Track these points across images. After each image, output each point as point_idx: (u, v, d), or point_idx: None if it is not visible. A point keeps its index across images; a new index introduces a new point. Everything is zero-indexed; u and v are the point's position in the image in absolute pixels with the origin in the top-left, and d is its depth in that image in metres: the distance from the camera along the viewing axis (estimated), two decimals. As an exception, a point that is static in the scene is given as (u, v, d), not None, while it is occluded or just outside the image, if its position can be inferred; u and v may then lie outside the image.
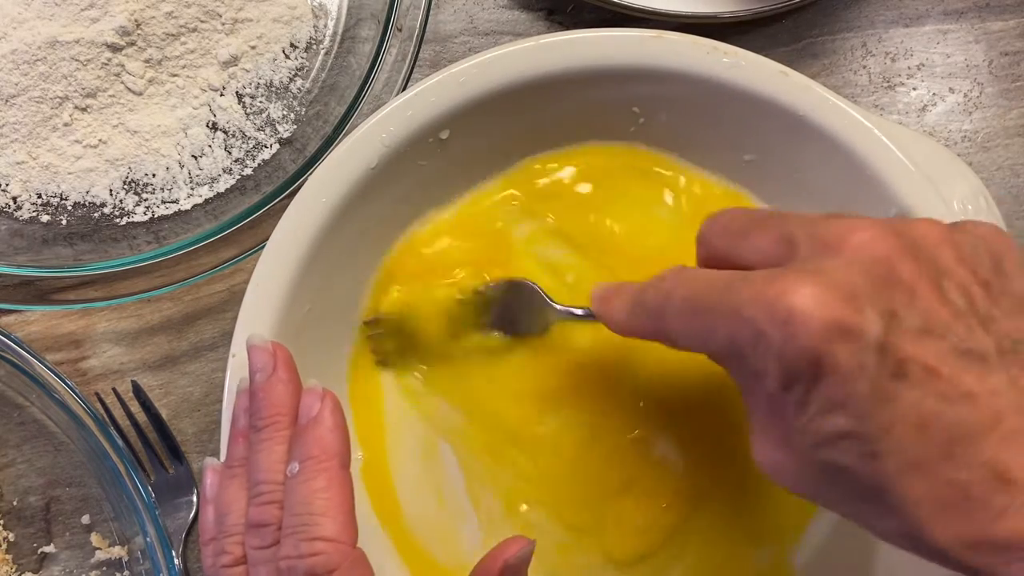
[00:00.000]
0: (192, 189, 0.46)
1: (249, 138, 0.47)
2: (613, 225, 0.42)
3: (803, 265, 0.26)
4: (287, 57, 0.47)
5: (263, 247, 0.37)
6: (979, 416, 0.24)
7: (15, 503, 0.45)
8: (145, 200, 0.46)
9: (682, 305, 0.29)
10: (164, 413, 0.46)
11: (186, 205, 0.46)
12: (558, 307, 0.39)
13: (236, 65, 0.46)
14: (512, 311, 0.40)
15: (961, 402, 0.24)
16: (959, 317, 0.25)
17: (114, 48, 0.44)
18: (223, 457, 0.34)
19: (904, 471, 0.25)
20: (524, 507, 0.40)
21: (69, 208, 0.46)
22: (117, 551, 0.44)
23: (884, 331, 0.24)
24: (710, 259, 0.31)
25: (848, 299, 0.25)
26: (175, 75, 0.46)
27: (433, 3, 0.48)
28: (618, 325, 0.33)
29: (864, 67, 0.50)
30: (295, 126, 0.47)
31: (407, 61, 0.45)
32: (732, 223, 0.30)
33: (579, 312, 0.38)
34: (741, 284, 0.26)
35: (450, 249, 0.42)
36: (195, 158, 0.46)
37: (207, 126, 0.47)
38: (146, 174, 0.46)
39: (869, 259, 0.25)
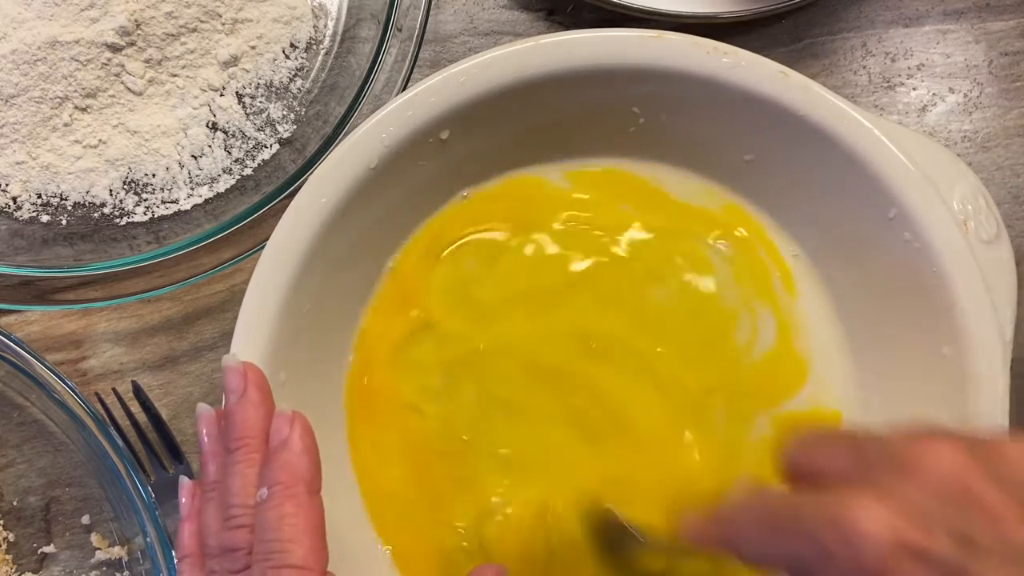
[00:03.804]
0: (192, 189, 0.46)
1: (249, 138, 0.47)
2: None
3: (873, 486, 0.26)
4: (287, 57, 0.47)
5: (263, 247, 0.37)
6: None
7: (15, 503, 0.45)
8: (145, 200, 0.46)
9: (755, 521, 0.29)
10: (164, 413, 0.46)
11: (186, 205, 0.46)
12: (643, 540, 0.37)
13: (236, 65, 0.46)
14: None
15: None
16: None
17: (114, 48, 0.44)
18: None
19: None
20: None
21: (69, 208, 0.46)
22: (117, 551, 0.44)
23: (959, 556, 0.24)
24: (789, 471, 0.31)
25: (918, 521, 0.24)
26: (175, 75, 0.46)
27: (433, 3, 0.48)
28: (695, 533, 0.32)
29: (864, 67, 0.50)
30: (295, 126, 0.47)
31: (407, 61, 0.45)
32: (810, 439, 0.31)
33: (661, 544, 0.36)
34: (811, 504, 0.27)
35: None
36: (195, 158, 0.46)
37: (207, 126, 0.47)
38: (146, 174, 0.46)
39: (943, 481, 0.25)
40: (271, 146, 0.47)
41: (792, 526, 0.27)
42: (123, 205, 0.46)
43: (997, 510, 0.24)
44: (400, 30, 0.45)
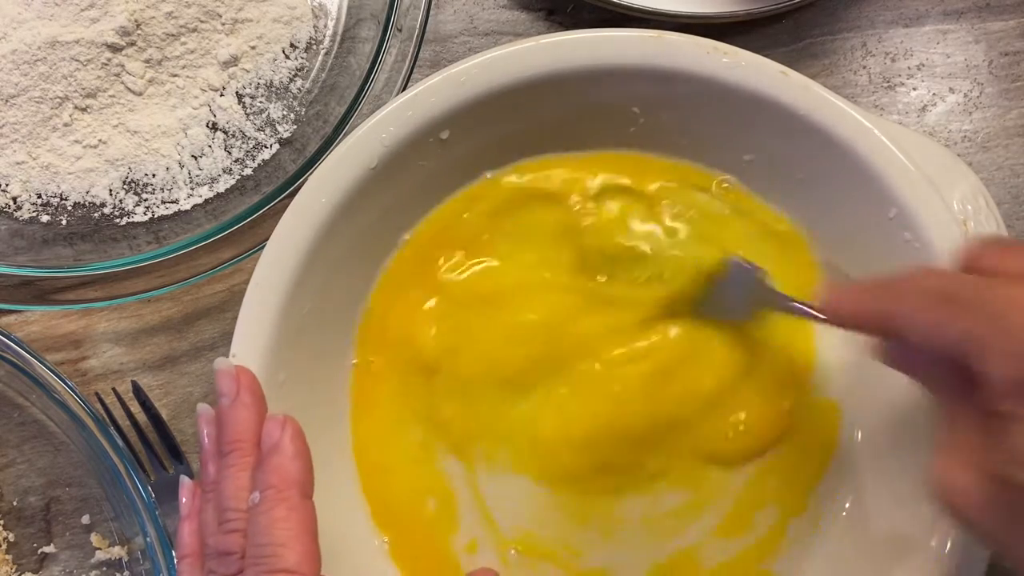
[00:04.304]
0: (192, 189, 0.46)
1: (249, 138, 0.47)
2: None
3: None
4: (287, 57, 0.47)
5: (263, 247, 0.37)
6: None
7: (15, 503, 0.45)
8: (145, 200, 0.46)
9: (930, 292, 0.28)
10: (164, 413, 0.46)
11: (186, 205, 0.46)
12: (781, 297, 0.38)
13: (236, 65, 0.46)
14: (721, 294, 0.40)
15: None
16: None
17: (114, 48, 0.44)
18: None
19: None
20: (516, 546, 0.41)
21: (69, 208, 0.46)
22: (117, 551, 0.44)
23: None
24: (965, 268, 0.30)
25: None
26: (175, 75, 0.46)
27: (433, 3, 0.48)
28: (847, 307, 0.31)
29: (864, 67, 0.50)
30: (295, 126, 0.47)
31: (407, 61, 0.45)
32: (996, 242, 0.30)
33: (799, 306, 0.37)
34: (996, 284, 0.27)
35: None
36: (195, 158, 0.46)
37: (207, 126, 0.47)
38: (146, 174, 0.46)
39: None
40: (271, 146, 0.47)
41: (973, 300, 0.26)
42: (123, 205, 0.46)
43: None
44: (400, 30, 0.45)
